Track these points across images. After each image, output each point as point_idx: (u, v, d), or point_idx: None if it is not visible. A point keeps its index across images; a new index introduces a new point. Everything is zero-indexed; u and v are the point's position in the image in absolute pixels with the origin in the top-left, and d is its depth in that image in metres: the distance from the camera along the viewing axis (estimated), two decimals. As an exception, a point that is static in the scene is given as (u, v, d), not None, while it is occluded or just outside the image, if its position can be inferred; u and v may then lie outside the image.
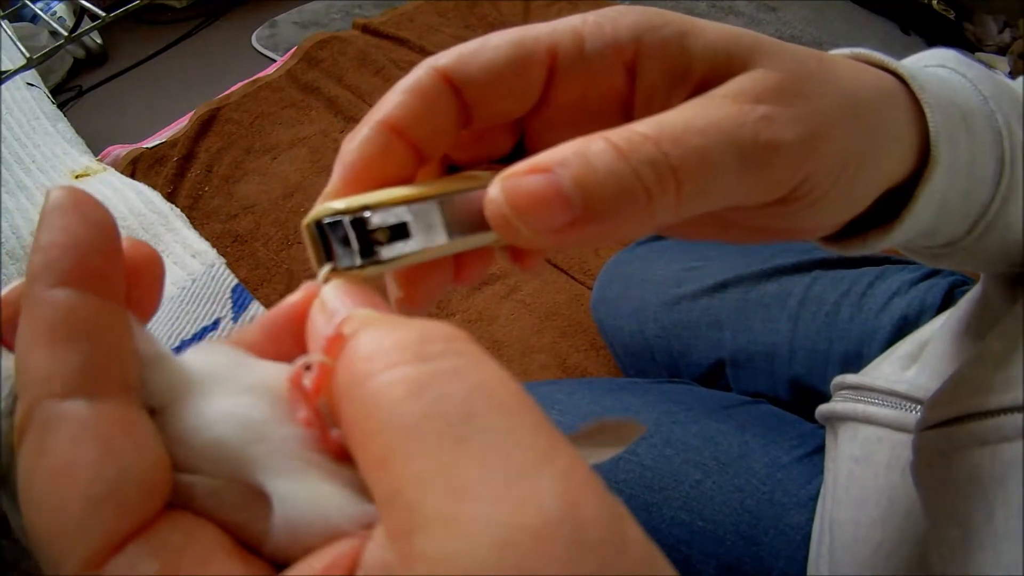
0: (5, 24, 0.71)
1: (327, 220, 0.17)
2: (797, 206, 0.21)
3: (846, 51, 0.26)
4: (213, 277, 0.83)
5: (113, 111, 1.39)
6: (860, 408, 0.40)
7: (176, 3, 1.63)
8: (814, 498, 0.44)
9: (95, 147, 1.05)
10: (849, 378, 0.43)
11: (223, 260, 0.85)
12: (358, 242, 0.17)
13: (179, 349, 0.16)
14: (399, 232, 0.17)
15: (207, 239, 0.87)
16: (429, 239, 0.18)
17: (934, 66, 0.28)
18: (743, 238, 0.25)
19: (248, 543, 0.14)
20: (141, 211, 0.88)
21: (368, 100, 1.23)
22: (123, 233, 0.15)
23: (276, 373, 0.16)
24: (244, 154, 1.16)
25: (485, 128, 0.22)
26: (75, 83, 1.43)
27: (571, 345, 0.92)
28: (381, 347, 0.13)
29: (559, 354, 0.91)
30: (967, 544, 0.25)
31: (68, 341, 0.13)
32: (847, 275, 0.59)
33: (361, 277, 0.17)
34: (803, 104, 0.20)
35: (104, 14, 0.66)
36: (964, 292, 0.47)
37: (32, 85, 1.11)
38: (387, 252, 0.17)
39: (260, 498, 0.14)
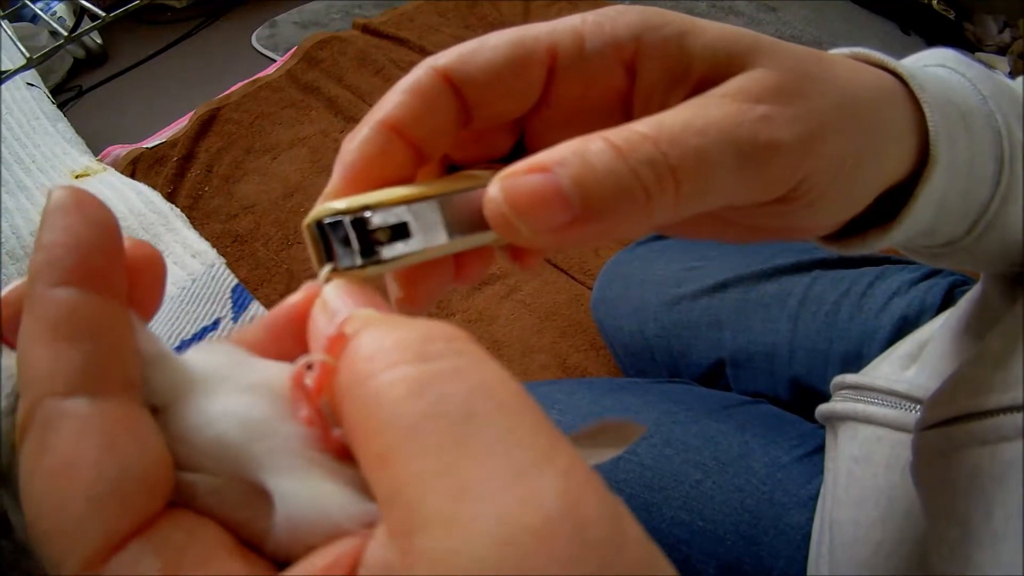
0: (5, 24, 0.71)
1: (328, 220, 0.17)
2: (796, 205, 0.21)
3: (846, 51, 0.26)
4: (213, 277, 0.83)
5: (113, 111, 1.39)
6: (860, 408, 0.40)
7: (176, 3, 1.63)
8: (814, 498, 0.44)
9: (95, 147, 1.05)
10: (849, 378, 0.43)
11: (223, 260, 0.85)
12: (359, 242, 0.17)
13: (179, 349, 0.17)
14: (399, 232, 0.17)
15: (207, 239, 0.87)
16: (429, 239, 0.18)
17: (934, 66, 0.28)
18: (742, 237, 0.25)
19: (250, 541, 0.14)
20: (141, 211, 0.88)
21: (368, 100, 1.23)
22: (123, 233, 0.15)
23: (278, 372, 0.16)
24: (244, 154, 1.16)
25: (485, 128, 0.22)
26: (75, 83, 1.43)
27: (571, 345, 0.92)
28: (382, 347, 0.13)
29: (559, 354, 0.91)
30: (966, 544, 0.25)
31: (70, 340, 0.13)
32: (847, 275, 0.59)
33: (362, 277, 0.17)
34: (802, 104, 0.20)
35: (104, 14, 0.66)
36: (964, 292, 0.47)
37: (32, 85, 1.11)
38: (388, 252, 0.17)
39: (262, 497, 0.14)
